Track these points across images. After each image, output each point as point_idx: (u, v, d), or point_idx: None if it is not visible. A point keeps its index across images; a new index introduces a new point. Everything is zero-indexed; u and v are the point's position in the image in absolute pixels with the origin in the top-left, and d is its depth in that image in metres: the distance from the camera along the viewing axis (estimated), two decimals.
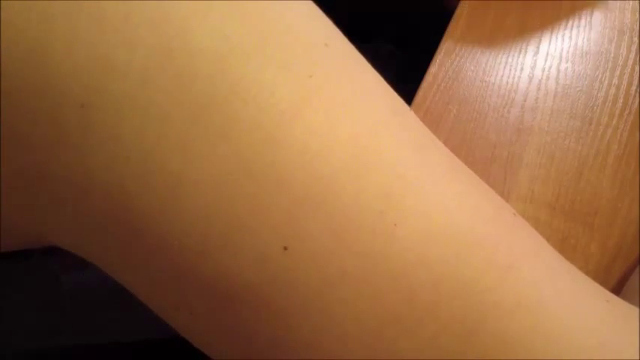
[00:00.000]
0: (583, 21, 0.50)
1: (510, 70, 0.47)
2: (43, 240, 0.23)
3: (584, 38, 0.49)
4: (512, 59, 0.47)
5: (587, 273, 0.38)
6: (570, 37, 0.49)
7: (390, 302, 0.20)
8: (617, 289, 0.37)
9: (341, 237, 0.20)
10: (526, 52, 0.48)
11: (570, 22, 0.49)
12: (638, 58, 0.48)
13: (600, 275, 0.38)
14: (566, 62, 0.47)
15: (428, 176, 0.21)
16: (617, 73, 0.47)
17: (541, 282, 0.21)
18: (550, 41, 0.48)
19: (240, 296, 0.20)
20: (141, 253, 0.21)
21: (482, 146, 0.43)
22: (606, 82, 0.47)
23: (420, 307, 0.20)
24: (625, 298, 0.35)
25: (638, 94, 0.46)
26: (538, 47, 0.48)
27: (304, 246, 0.20)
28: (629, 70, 0.48)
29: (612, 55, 0.48)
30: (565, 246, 0.39)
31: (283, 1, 0.21)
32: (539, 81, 0.46)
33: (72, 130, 0.19)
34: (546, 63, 0.47)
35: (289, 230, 0.19)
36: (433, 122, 0.43)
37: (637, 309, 0.25)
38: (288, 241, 0.19)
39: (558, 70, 0.47)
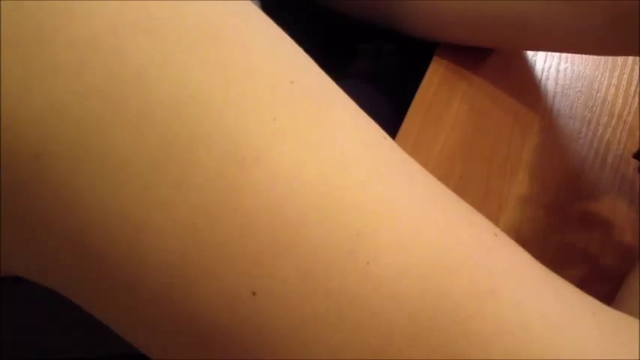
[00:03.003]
0: None
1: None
2: (10, 271, 0.23)
3: None
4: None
5: (586, 273, 0.38)
6: None
7: (367, 337, 0.20)
8: (617, 290, 0.37)
9: (311, 279, 0.19)
10: (525, 52, 0.48)
11: None
12: (637, 59, 0.48)
13: (600, 275, 0.38)
14: (566, 62, 0.47)
15: (402, 208, 0.21)
16: (617, 73, 0.47)
17: (524, 303, 0.21)
18: None
19: (213, 336, 0.20)
20: (108, 294, 0.21)
21: (482, 146, 0.43)
22: (606, 82, 0.47)
23: (399, 339, 0.20)
24: (623, 298, 0.35)
25: (637, 94, 0.47)
26: None
27: (273, 290, 0.19)
28: (628, 70, 0.48)
29: None
30: (565, 246, 0.39)
31: (247, 39, 0.20)
32: (539, 81, 0.46)
33: (28, 179, 0.19)
34: (545, 63, 0.47)
35: (257, 275, 0.19)
36: (433, 122, 0.43)
37: (627, 317, 0.25)
38: (256, 286, 0.19)
39: (558, 71, 0.47)
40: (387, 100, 0.46)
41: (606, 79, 0.47)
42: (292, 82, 0.21)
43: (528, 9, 0.41)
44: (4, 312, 0.29)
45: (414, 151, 0.41)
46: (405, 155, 0.23)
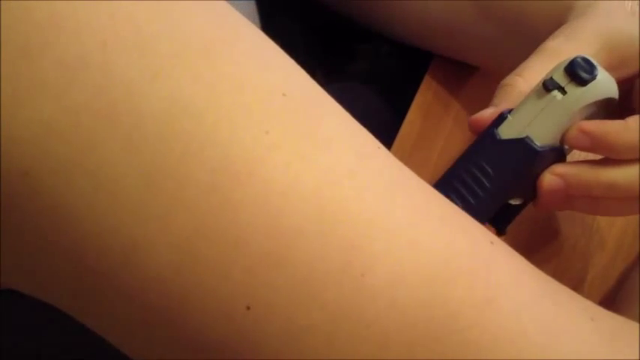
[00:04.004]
0: None
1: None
2: (8, 284, 0.22)
3: None
4: None
5: (586, 273, 0.38)
6: None
7: (363, 348, 0.20)
8: (617, 289, 0.37)
9: (305, 291, 0.19)
10: None
11: None
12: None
13: (600, 275, 0.38)
14: None
15: (397, 218, 0.21)
16: None
17: (522, 311, 0.21)
18: None
19: (208, 349, 0.20)
20: (103, 306, 0.21)
21: None
22: None
23: (395, 351, 0.20)
24: (624, 297, 0.35)
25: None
26: None
27: (267, 302, 0.19)
28: None
29: None
30: (565, 246, 0.39)
31: (238, 52, 0.20)
32: None
33: (20, 196, 0.19)
34: None
35: (251, 288, 0.19)
36: (432, 125, 0.43)
37: (626, 321, 0.25)
38: (251, 299, 0.19)
39: None
40: (385, 100, 0.46)
41: None
42: (284, 95, 0.21)
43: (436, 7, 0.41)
44: (4, 314, 0.29)
45: (413, 153, 0.40)
46: (399, 164, 0.23)
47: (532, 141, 0.30)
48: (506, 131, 0.30)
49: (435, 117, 0.43)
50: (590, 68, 0.29)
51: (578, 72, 0.29)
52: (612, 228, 0.40)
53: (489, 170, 0.31)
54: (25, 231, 0.19)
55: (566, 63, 0.30)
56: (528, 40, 0.37)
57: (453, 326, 0.20)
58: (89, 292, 0.20)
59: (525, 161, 0.31)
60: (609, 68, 0.31)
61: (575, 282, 0.38)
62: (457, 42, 0.43)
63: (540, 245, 0.39)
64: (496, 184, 0.31)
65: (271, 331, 0.20)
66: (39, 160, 0.19)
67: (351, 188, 0.20)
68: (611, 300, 0.36)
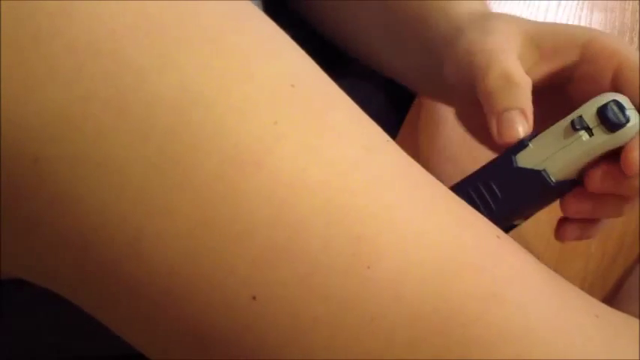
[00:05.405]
0: (583, 21, 0.50)
1: None
2: (12, 273, 0.22)
3: None
4: None
5: (587, 273, 0.38)
6: None
7: (367, 343, 0.20)
8: (617, 289, 0.37)
9: (310, 283, 0.19)
10: None
11: (571, 22, 0.49)
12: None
13: (600, 275, 0.38)
14: None
15: (404, 212, 0.21)
16: None
17: (527, 306, 0.21)
18: None
19: (213, 342, 0.20)
20: (108, 296, 0.21)
21: (483, 146, 0.42)
22: None
23: (400, 345, 0.20)
24: (624, 297, 0.35)
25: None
26: None
27: (273, 294, 0.19)
28: None
29: None
30: (565, 246, 0.39)
31: (248, 42, 0.20)
32: None
33: (28, 183, 0.19)
34: None
35: (257, 279, 0.19)
36: (434, 122, 0.43)
37: (628, 318, 0.25)
38: (256, 290, 0.19)
39: None
40: (387, 98, 0.46)
41: None
42: (293, 86, 0.21)
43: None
44: (4, 317, 0.29)
45: (415, 152, 0.40)
46: (407, 158, 0.23)
47: (548, 175, 0.30)
48: (524, 160, 0.30)
49: (435, 117, 0.43)
50: (623, 113, 0.29)
51: (610, 117, 0.29)
52: (612, 228, 0.40)
53: (498, 193, 0.30)
54: (31, 219, 0.19)
55: (599, 104, 0.29)
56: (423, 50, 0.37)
57: (458, 320, 0.20)
58: (93, 281, 0.20)
59: (537, 193, 0.30)
60: (540, 60, 0.31)
61: (575, 281, 0.37)
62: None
63: (542, 246, 0.39)
64: (502, 208, 0.30)
65: (275, 324, 0.20)
66: (48, 147, 0.19)
67: (358, 180, 0.20)
68: (612, 300, 0.36)
